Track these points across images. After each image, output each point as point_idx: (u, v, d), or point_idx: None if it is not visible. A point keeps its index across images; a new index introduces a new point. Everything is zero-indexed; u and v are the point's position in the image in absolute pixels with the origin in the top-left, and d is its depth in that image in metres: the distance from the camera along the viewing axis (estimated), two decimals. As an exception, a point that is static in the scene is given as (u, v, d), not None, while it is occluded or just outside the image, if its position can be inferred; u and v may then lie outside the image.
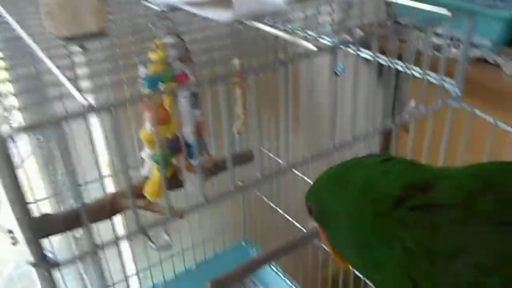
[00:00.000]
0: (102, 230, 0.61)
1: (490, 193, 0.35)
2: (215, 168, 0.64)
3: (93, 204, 0.62)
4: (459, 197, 0.36)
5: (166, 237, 0.71)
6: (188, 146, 0.58)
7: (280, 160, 0.88)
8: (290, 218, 1.02)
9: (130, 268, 1.06)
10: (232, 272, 0.69)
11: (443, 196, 0.36)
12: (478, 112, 0.59)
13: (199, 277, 1.06)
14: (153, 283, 1.00)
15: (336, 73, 0.52)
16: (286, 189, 0.99)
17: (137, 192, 0.59)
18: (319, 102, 1.25)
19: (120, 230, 0.89)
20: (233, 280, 0.68)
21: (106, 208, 0.61)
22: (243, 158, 0.70)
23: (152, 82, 0.53)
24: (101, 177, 0.82)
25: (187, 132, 0.56)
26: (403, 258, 0.36)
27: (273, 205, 1.05)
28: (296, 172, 0.92)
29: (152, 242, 0.65)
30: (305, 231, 0.81)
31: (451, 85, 0.61)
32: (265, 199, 1.06)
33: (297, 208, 0.98)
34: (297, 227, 0.99)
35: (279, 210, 1.04)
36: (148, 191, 0.58)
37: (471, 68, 0.66)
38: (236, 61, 0.68)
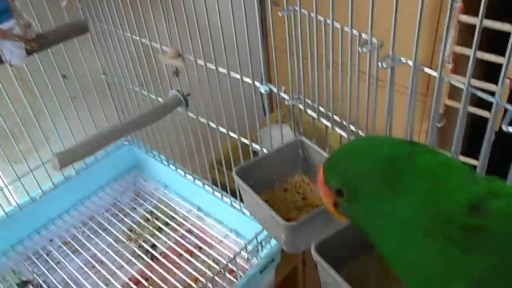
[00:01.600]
0: None
1: None
2: (40, 39, 0.56)
3: None
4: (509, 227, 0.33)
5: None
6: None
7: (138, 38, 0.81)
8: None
9: None
10: (78, 145, 0.64)
11: (496, 222, 0.33)
12: None
13: (80, 185, 1.01)
14: (29, 195, 0.93)
15: None
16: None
17: None
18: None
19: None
20: (78, 153, 0.64)
21: None
22: (75, 30, 0.63)
23: None
24: None
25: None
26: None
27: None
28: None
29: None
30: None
31: None
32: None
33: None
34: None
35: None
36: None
37: None
38: None
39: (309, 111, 0.63)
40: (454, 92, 0.95)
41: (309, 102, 0.64)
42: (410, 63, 0.49)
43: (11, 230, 0.91)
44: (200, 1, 0.65)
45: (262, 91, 0.66)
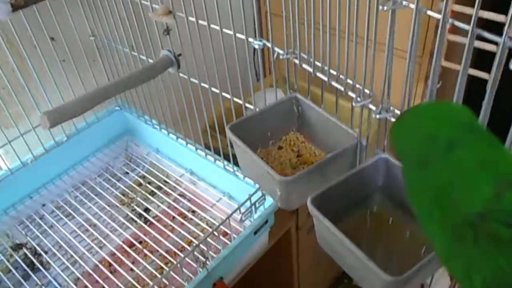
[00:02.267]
0: None
1: None
2: None
3: None
4: None
5: None
6: None
7: None
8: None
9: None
10: (67, 103, 0.63)
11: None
12: None
13: (71, 150, 1.00)
14: (20, 160, 0.92)
15: None
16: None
17: None
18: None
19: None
20: (68, 112, 0.63)
21: None
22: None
23: None
24: None
25: None
26: None
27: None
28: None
29: None
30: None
31: None
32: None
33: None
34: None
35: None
36: None
37: None
38: None
39: (305, 65, 0.62)
40: (451, 54, 0.94)
41: (305, 56, 0.63)
42: (412, 6, 0.48)
43: (3, 194, 0.90)
44: None
45: (256, 46, 0.64)
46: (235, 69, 0.72)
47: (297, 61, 0.62)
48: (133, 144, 1.08)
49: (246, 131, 0.62)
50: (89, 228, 0.89)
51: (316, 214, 0.51)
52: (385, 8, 0.48)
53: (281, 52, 0.63)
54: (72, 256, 0.84)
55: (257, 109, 0.68)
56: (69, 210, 0.93)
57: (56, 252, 0.85)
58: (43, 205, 0.95)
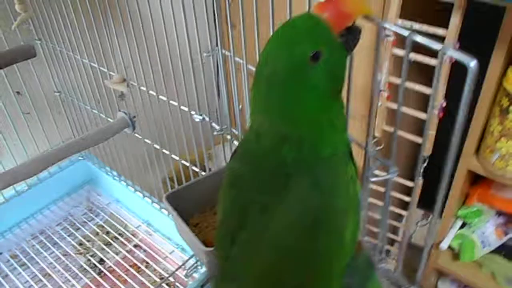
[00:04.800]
0: None
1: None
2: None
3: None
4: None
5: None
6: None
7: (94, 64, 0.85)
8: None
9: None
10: (20, 166, 0.67)
11: None
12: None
13: (32, 199, 1.03)
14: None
15: None
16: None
17: None
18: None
19: None
20: (20, 175, 0.67)
21: None
22: (22, 53, 0.66)
23: None
24: None
25: None
26: None
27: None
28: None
29: None
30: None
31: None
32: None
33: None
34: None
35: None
36: None
37: None
38: None
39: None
40: (392, 119, 1.01)
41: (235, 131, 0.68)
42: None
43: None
44: (150, 29, 0.69)
45: (197, 120, 0.70)
46: (188, 130, 0.77)
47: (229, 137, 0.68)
48: (95, 194, 1.11)
49: (184, 198, 0.67)
50: (43, 279, 0.91)
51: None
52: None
53: (216, 127, 0.69)
54: (23, 307, 0.86)
55: (202, 174, 0.73)
56: (24, 259, 0.95)
57: (8, 303, 0.87)
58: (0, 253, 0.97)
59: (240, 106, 0.71)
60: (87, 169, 1.11)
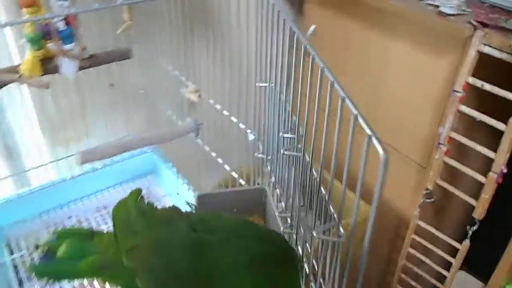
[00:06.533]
0: None
1: None
2: (91, 58, 0.73)
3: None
4: None
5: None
6: (59, 33, 0.67)
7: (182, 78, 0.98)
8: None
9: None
10: (102, 146, 0.80)
11: None
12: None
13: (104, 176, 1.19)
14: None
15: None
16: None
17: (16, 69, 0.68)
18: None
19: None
20: (102, 153, 0.79)
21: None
22: (120, 55, 0.79)
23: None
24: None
25: (56, 20, 0.65)
26: None
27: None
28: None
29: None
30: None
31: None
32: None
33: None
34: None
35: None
36: (23, 67, 0.67)
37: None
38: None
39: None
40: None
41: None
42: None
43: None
44: (232, 52, 0.79)
45: (250, 138, 0.80)
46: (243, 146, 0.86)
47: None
48: (155, 184, 1.24)
49: (213, 204, 0.75)
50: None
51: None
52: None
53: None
54: None
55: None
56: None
57: None
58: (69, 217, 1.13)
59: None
60: (153, 161, 1.25)
